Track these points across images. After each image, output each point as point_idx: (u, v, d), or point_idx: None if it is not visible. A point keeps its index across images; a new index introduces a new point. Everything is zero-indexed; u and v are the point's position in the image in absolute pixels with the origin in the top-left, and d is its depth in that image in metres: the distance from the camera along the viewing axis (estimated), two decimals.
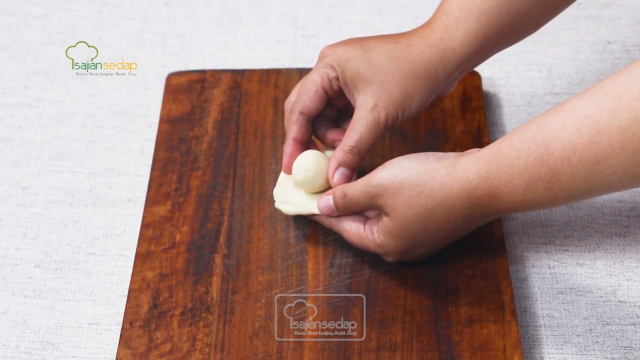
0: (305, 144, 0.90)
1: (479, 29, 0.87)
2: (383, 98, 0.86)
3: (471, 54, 0.88)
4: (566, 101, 0.75)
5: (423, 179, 0.81)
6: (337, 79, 0.88)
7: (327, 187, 0.88)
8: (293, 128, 0.89)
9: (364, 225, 0.86)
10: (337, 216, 0.87)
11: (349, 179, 0.87)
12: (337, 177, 0.87)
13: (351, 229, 0.86)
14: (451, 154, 0.82)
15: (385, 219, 0.83)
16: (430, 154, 0.82)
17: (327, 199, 0.87)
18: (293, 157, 0.89)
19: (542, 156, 0.75)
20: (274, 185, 0.93)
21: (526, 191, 0.77)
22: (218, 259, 0.90)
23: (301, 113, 0.89)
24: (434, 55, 0.87)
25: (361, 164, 0.88)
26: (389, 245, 0.84)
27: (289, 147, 0.89)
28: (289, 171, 0.90)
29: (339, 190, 0.86)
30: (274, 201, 0.91)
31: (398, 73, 0.86)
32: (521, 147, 0.76)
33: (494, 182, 0.78)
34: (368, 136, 0.86)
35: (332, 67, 0.88)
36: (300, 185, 0.88)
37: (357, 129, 0.86)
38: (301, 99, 0.89)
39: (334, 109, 0.92)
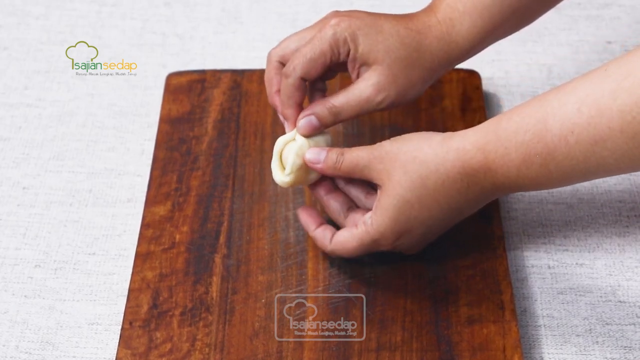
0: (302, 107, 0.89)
1: (482, 25, 0.87)
2: (388, 80, 0.86)
3: (472, 48, 0.88)
4: (570, 81, 0.74)
5: (419, 145, 0.80)
6: (348, 53, 0.86)
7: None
8: (296, 94, 0.86)
9: (356, 226, 0.84)
10: (320, 171, 0.85)
11: (313, 130, 0.86)
12: (304, 122, 0.86)
13: (345, 237, 0.85)
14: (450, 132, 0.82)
15: (379, 194, 0.82)
16: (432, 132, 0.82)
17: (319, 151, 0.85)
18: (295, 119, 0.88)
19: (539, 132, 0.74)
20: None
21: (521, 166, 0.76)
22: (218, 259, 0.90)
23: (302, 79, 0.87)
24: (440, 47, 0.87)
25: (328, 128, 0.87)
26: (384, 225, 0.82)
27: (295, 113, 0.87)
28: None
29: (337, 149, 0.85)
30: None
31: (407, 60, 0.86)
32: (520, 122, 0.76)
33: (490, 155, 0.77)
34: (354, 107, 0.86)
35: (345, 42, 0.86)
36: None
37: (348, 95, 0.86)
38: (307, 65, 0.86)
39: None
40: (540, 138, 0.74)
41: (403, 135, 0.83)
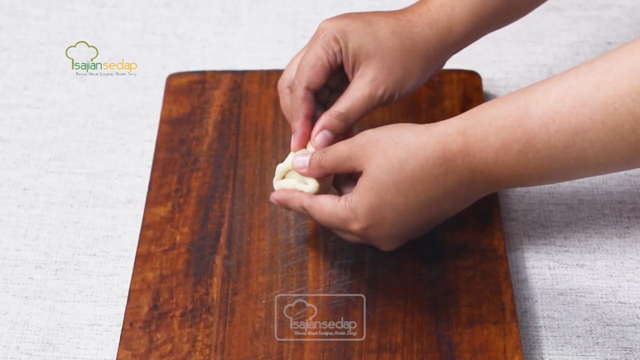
0: (313, 120, 0.88)
1: (473, 10, 0.87)
2: (384, 72, 0.86)
3: (466, 34, 0.88)
4: (556, 74, 0.75)
5: (401, 131, 0.80)
6: (340, 51, 0.87)
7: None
8: (303, 105, 0.87)
9: (339, 199, 0.84)
10: (307, 174, 0.85)
11: (330, 143, 0.86)
12: (319, 138, 0.86)
13: (326, 200, 0.84)
14: None
15: (360, 178, 0.82)
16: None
17: (305, 157, 0.85)
18: (307, 137, 0.87)
19: (520, 118, 0.74)
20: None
21: (499, 152, 0.76)
22: (218, 260, 0.90)
23: (308, 88, 0.87)
24: (433, 33, 0.87)
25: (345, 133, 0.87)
26: (360, 206, 0.81)
27: (302, 126, 0.87)
28: (302, 145, 0.88)
29: (320, 149, 0.85)
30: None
31: (400, 48, 0.86)
32: (502, 107, 0.76)
33: (470, 138, 0.77)
34: (359, 107, 0.86)
35: (336, 40, 0.87)
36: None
37: (350, 98, 0.86)
38: (306, 74, 0.87)
39: (326, 90, 0.91)
40: (520, 124, 0.74)
41: (387, 125, 0.83)
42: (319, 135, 0.86)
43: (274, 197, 0.88)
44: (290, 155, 0.88)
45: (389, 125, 0.82)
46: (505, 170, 0.77)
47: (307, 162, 0.85)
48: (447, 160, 0.78)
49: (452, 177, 0.79)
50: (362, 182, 0.82)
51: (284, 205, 0.88)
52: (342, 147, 0.83)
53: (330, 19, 0.88)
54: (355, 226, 0.83)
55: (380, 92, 0.86)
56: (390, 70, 0.86)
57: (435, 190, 0.80)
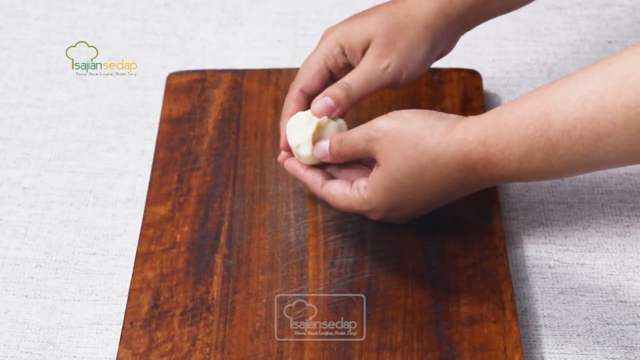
0: None
1: None
2: (387, 47, 0.87)
3: (468, 4, 0.88)
4: (571, 74, 0.74)
5: (422, 132, 0.80)
6: (343, 53, 0.89)
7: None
8: (291, 105, 0.89)
9: (350, 186, 0.85)
10: (329, 164, 0.87)
11: (330, 111, 0.87)
12: (319, 104, 0.87)
13: (337, 192, 0.86)
14: (453, 115, 0.82)
15: (375, 170, 0.83)
16: (433, 112, 0.82)
17: (324, 144, 0.86)
18: None
19: (542, 127, 0.74)
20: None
21: (522, 160, 0.76)
22: (218, 259, 0.90)
23: (302, 91, 0.89)
24: (432, 5, 0.88)
25: (347, 109, 0.88)
26: (376, 200, 0.83)
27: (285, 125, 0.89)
28: (287, 148, 0.90)
29: (336, 136, 0.86)
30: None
31: (399, 25, 0.87)
32: (522, 115, 0.75)
33: (491, 148, 0.77)
34: (363, 78, 0.87)
35: (337, 43, 0.89)
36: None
37: (355, 71, 0.88)
38: (303, 76, 0.89)
39: None
40: (542, 132, 0.74)
41: (402, 113, 0.82)
42: (319, 100, 0.87)
43: (287, 165, 0.89)
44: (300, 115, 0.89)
45: (405, 116, 0.82)
46: (527, 176, 0.77)
47: (327, 151, 0.86)
48: (467, 167, 0.79)
49: (472, 179, 0.80)
50: (377, 178, 0.82)
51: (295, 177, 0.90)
52: (358, 138, 0.83)
53: (332, 27, 0.91)
54: (374, 216, 0.86)
55: (383, 64, 0.87)
56: (392, 45, 0.87)
57: (454, 189, 0.81)
